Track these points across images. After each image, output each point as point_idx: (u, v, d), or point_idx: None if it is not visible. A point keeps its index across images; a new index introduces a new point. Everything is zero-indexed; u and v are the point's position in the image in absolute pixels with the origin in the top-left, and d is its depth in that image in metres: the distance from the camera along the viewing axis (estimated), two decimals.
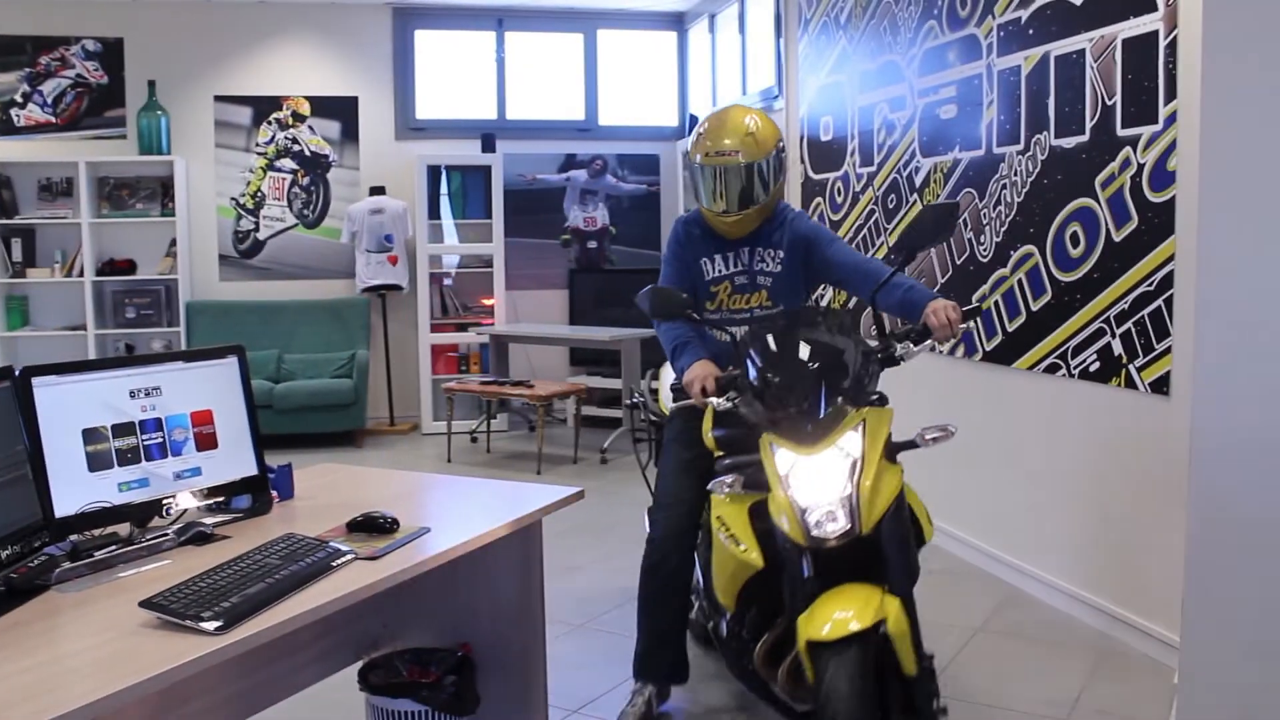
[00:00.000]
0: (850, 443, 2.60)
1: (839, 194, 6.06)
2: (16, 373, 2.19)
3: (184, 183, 8.34)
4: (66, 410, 2.25)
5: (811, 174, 6.44)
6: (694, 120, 8.82)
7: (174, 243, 8.22)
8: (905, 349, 2.88)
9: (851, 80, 5.88)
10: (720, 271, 3.37)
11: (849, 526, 2.53)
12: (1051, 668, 3.67)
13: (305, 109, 8.59)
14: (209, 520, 2.44)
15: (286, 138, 8.59)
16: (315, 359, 8.22)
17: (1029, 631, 4.02)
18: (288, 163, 8.62)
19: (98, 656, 1.75)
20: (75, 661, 1.74)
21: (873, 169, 5.64)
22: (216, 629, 1.82)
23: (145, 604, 1.89)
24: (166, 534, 2.34)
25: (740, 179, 3.22)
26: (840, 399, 2.65)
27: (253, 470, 2.55)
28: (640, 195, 9.18)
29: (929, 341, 2.89)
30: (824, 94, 6.25)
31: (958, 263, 4.81)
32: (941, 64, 4.91)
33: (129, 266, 8.25)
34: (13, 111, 8.28)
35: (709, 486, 2.91)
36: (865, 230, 5.73)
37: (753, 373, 2.79)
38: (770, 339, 2.82)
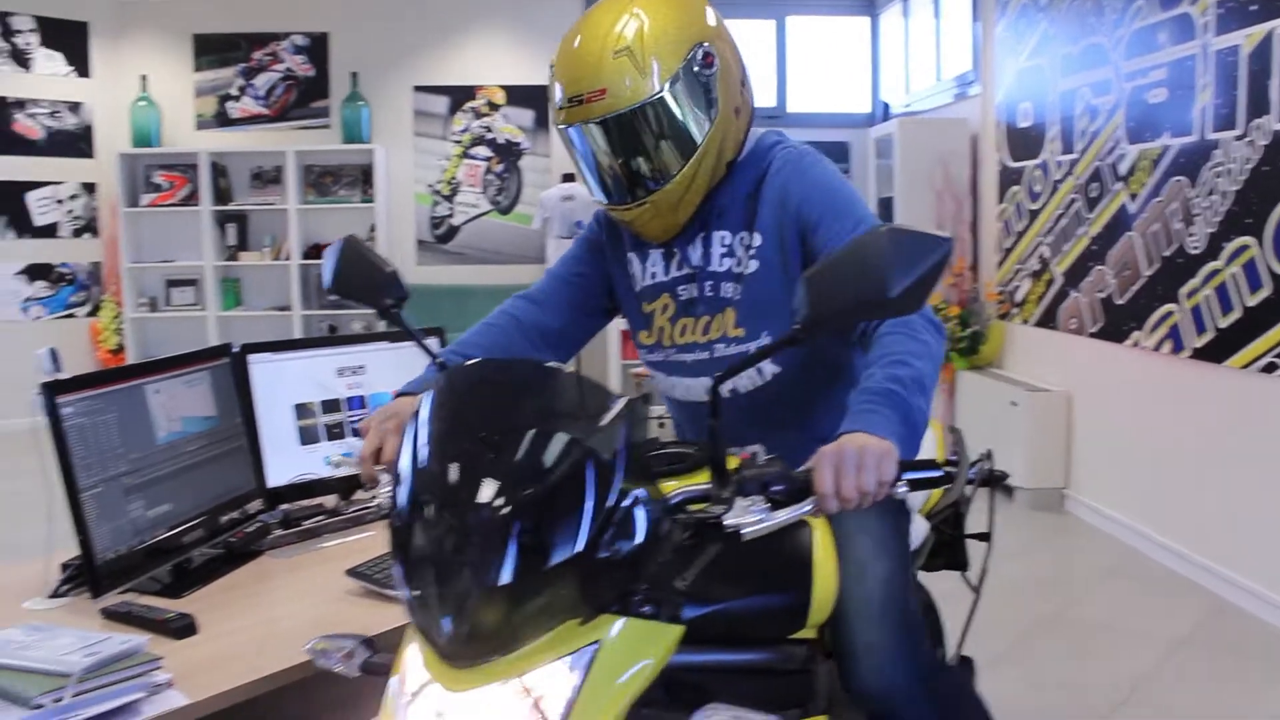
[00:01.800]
0: (547, 684, 1.22)
1: (1037, 182, 5.85)
2: (235, 350, 2.32)
3: (383, 170, 8.66)
4: (280, 386, 2.38)
5: (1009, 162, 6.24)
6: (886, 108, 8.66)
7: (373, 228, 8.54)
8: (748, 514, 1.30)
9: (1053, 64, 5.67)
10: (654, 277, 1.93)
11: None
12: (1263, 684, 3.48)
13: (499, 98, 8.79)
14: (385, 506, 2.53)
15: (481, 126, 8.81)
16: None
17: (1239, 645, 3.81)
18: (482, 150, 8.84)
19: (307, 619, 1.84)
20: (287, 623, 1.83)
21: (1074, 156, 5.43)
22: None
23: (351, 572, 1.98)
24: (369, 507, 2.43)
25: (620, 137, 1.73)
26: (555, 572, 1.22)
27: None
28: None
29: (805, 508, 1.32)
30: (1023, 79, 6.05)
31: (1164, 254, 4.59)
32: (1150, 45, 4.69)
33: None
34: (229, 105, 8.76)
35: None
36: (1064, 221, 5.52)
37: (405, 468, 1.32)
38: (450, 404, 1.37)
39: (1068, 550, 4.96)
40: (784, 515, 1.31)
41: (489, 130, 8.82)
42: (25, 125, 8.30)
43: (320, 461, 2.41)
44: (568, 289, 2.03)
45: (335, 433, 2.45)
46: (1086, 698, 3.36)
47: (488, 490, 1.22)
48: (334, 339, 2.53)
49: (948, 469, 1.36)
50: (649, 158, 1.74)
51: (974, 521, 2.33)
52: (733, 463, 1.40)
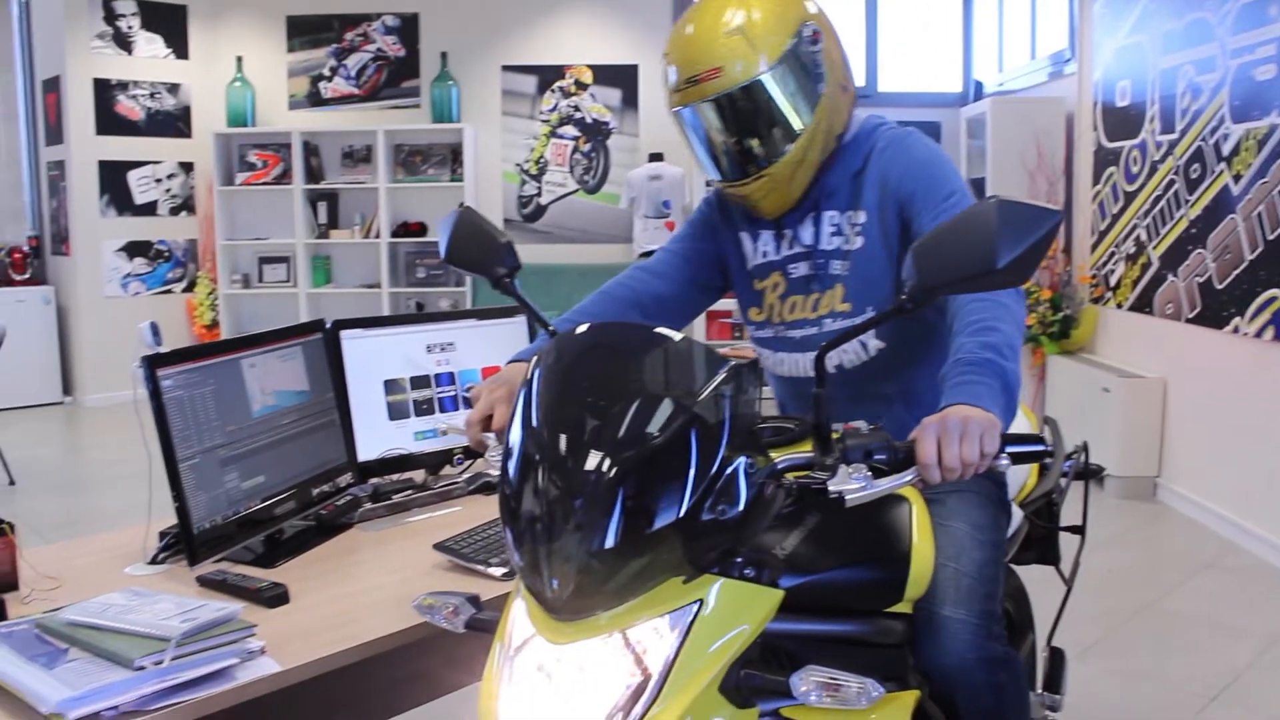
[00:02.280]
0: (648, 640, 1.24)
1: (1135, 163, 5.71)
2: (327, 325, 2.36)
3: (472, 149, 8.73)
4: (370, 362, 2.41)
5: (1105, 142, 6.09)
6: (979, 87, 8.50)
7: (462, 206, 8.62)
8: (851, 481, 1.31)
9: (1153, 41, 5.51)
10: (765, 255, 1.98)
11: None
12: None
13: (587, 77, 8.80)
14: (496, 471, 2.55)
15: (569, 105, 8.84)
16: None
17: None
18: (570, 130, 8.87)
19: (395, 593, 1.87)
20: (376, 595, 1.86)
21: (1174, 136, 5.28)
22: (503, 575, 1.91)
23: (438, 547, 2.00)
24: (457, 482, 2.46)
25: (734, 115, 1.78)
26: (658, 535, 1.25)
27: None
28: None
29: (907, 477, 1.33)
30: (1121, 56, 5.89)
31: (1269, 237, 4.45)
32: (1260, 19, 4.53)
33: (420, 229, 8.71)
34: (321, 85, 8.89)
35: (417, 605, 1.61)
36: (1163, 203, 5.38)
37: (515, 434, 1.36)
38: (559, 369, 1.41)
39: (1160, 541, 4.85)
40: (886, 484, 1.32)
41: (577, 109, 8.84)
42: (127, 107, 8.52)
43: (409, 436, 2.45)
44: (684, 263, 2.07)
45: (424, 408, 2.48)
46: (1176, 692, 3.28)
47: (594, 456, 1.25)
48: (424, 316, 2.56)
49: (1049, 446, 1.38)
50: (763, 133, 1.79)
51: (1066, 514, 2.29)
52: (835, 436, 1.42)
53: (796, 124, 1.79)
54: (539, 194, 8.92)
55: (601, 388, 1.37)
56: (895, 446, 1.35)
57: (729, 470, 1.28)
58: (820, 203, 1.89)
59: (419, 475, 2.49)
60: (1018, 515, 2.09)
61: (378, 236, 8.64)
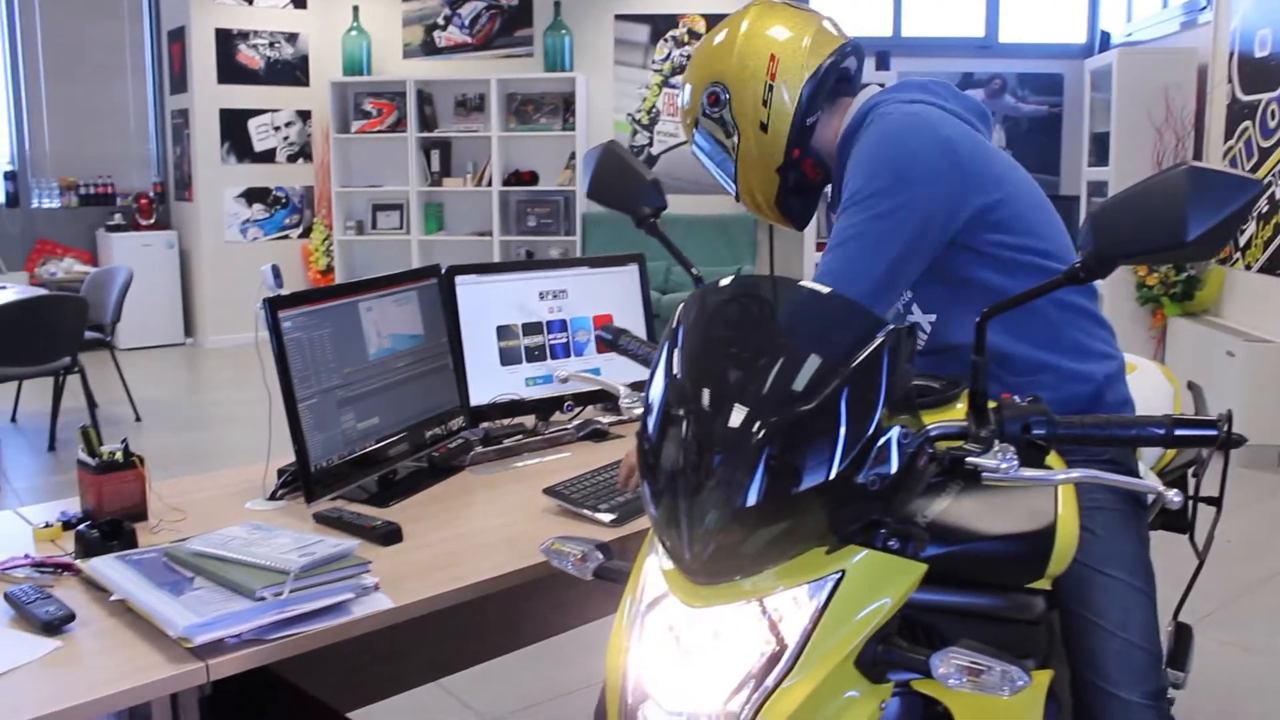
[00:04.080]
0: (786, 609, 1.21)
1: (1273, 117, 5.46)
2: (442, 271, 2.38)
3: (584, 99, 8.72)
4: (484, 307, 2.43)
5: (1240, 95, 5.84)
6: (1105, 37, 8.21)
7: (573, 156, 8.63)
8: (1003, 460, 1.26)
9: None
10: None
11: None
12: None
13: (700, 26, 8.71)
14: (606, 419, 2.56)
15: (682, 55, 8.76)
16: (702, 272, 8.38)
17: None
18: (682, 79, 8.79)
19: (505, 535, 1.89)
20: (486, 537, 1.89)
21: None
22: (611, 521, 1.92)
23: (548, 491, 2.02)
24: (566, 429, 2.48)
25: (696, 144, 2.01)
26: (803, 498, 1.20)
27: (646, 374, 2.65)
28: (1041, 117, 8.67)
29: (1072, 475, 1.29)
30: (1262, 4, 5.62)
31: None
32: None
33: (532, 178, 8.75)
34: (435, 34, 8.95)
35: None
36: None
37: (657, 386, 1.33)
38: (704, 320, 1.37)
39: None
40: (1062, 475, 1.28)
41: (689, 59, 8.75)
42: (247, 56, 8.69)
43: (520, 382, 2.47)
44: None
45: (536, 355, 2.49)
46: None
47: (739, 411, 1.20)
48: (537, 263, 2.58)
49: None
50: (718, 175, 2.00)
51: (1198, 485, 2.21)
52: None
53: (726, 175, 1.96)
54: (650, 144, 8.89)
55: (748, 341, 1.32)
56: (1055, 420, 1.29)
57: (883, 438, 1.22)
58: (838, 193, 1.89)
59: (529, 420, 2.51)
60: (1156, 483, 2.01)
61: (490, 185, 8.70)
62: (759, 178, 1.92)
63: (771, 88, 1.87)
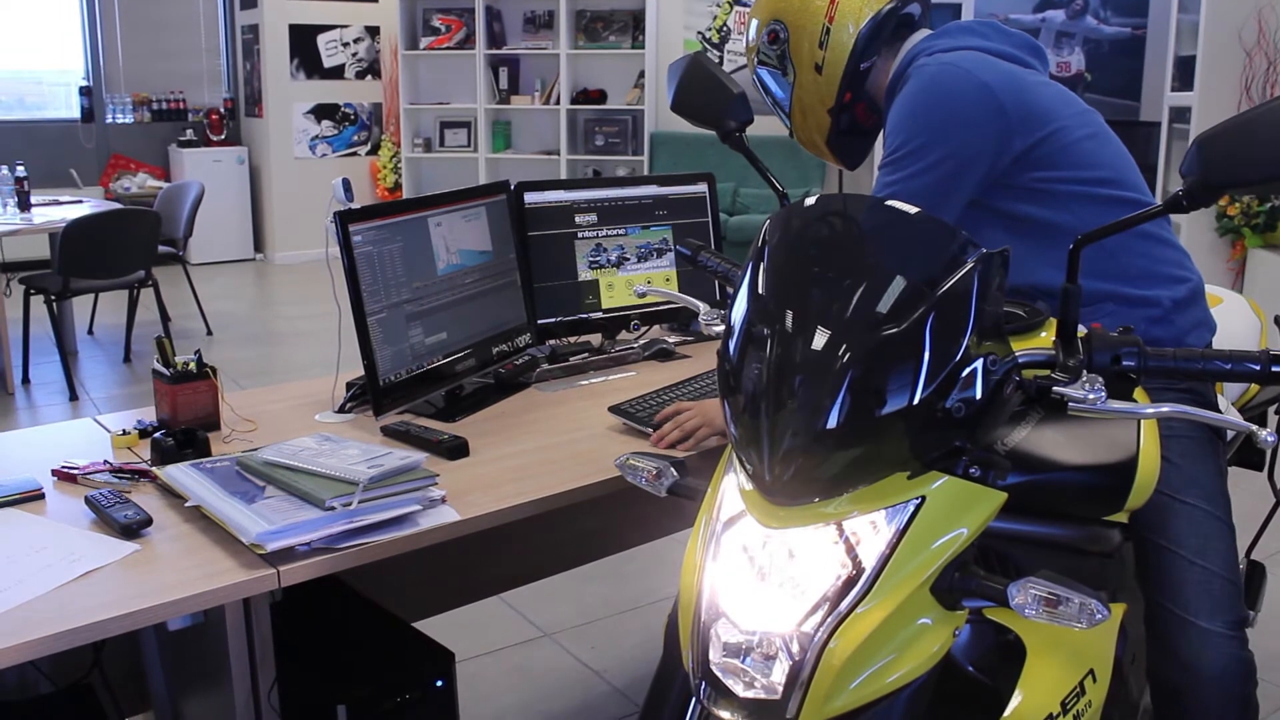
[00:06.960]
0: (864, 533, 1.20)
1: None
2: (511, 187, 2.37)
3: (654, 16, 8.58)
4: (553, 225, 2.42)
5: None
6: None
7: (642, 74, 8.53)
8: (1091, 391, 1.22)
9: None
10: None
11: (776, 699, 1.19)
12: None
13: None
14: (672, 338, 2.56)
15: None
16: (769, 194, 8.33)
17: None
18: None
19: (571, 451, 1.90)
20: (552, 454, 1.90)
21: None
22: None
23: (613, 409, 2.03)
24: (633, 348, 2.48)
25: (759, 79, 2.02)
26: (885, 422, 1.18)
27: (713, 296, 2.63)
28: (1123, 39, 8.41)
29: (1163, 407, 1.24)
30: None
31: None
32: None
33: (600, 96, 8.67)
34: None
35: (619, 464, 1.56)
36: None
37: (740, 305, 1.30)
38: (789, 239, 1.34)
39: None
40: (1124, 407, 1.22)
41: None
42: None
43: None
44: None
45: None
46: None
47: (823, 334, 1.18)
48: (605, 180, 2.56)
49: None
50: (777, 111, 2.02)
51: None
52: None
53: (782, 112, 1.99)
54: (721, 63, 8.75)
55: (834, 261, 1.28)
56: (1146, 352, 1.25)
57: (970, 365, 1.18)
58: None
59: (595, 339, 2.51)
60: (1237, 419, 1.97)
61: (558, 103, 8.64)
62: (813, 118, 1.96)
63: (829, 30, 1.87)
